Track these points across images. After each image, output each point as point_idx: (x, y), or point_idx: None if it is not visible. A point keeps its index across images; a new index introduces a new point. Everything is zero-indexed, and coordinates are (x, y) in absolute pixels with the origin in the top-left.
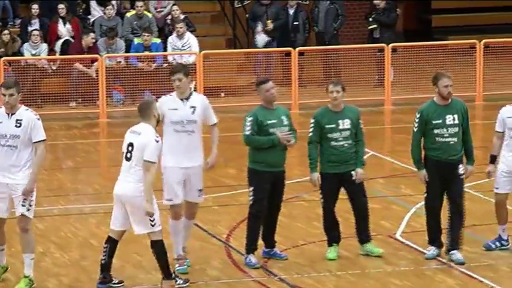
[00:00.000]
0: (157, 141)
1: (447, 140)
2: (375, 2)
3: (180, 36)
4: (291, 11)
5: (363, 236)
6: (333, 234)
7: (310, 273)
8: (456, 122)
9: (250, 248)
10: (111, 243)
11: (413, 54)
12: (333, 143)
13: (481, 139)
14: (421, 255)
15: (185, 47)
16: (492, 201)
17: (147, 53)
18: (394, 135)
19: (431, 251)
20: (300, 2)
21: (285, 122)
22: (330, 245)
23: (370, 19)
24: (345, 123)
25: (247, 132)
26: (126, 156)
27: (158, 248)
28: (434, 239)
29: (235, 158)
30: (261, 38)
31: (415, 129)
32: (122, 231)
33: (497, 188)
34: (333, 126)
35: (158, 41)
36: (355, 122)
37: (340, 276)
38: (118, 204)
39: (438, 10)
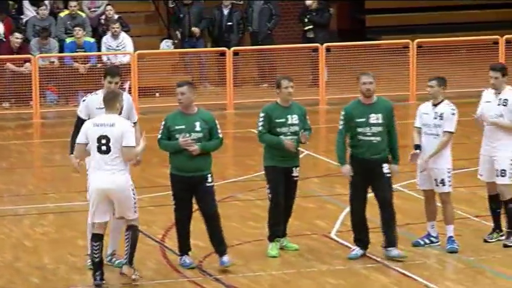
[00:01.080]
0: (133, 127)
1: (370, 138)
2: (307, 2)
3: (115, 36)
4: (226, 11)
5: (283, 232)
6: (277, 229)
7: (245, 273)
8: (380, 121)
9: (182, 249)
10: (100, 240)
11: (347, 54)
12: (282, 137)
13: None
14: None
15: (120, 47)
16: None
17: (81, 53)
18: (329, 134)
19: (355, 251)
20: (235, 2)
21: (197, 128)
22: (272, 240)
23: (306, 20)
24: (294, 119)
25: (159, 136)
26: (100, 150)
27: (135, 232)
28: (358, 239)
29: None
30: (165, 45)
31: (340, 127)
32: (106, 222)
33: (418, 185)
34: (283, 120)
35: (92, 40)
36: (302, 118)
37: (275, 276)
38: (103, 198)
39: (371, 10)
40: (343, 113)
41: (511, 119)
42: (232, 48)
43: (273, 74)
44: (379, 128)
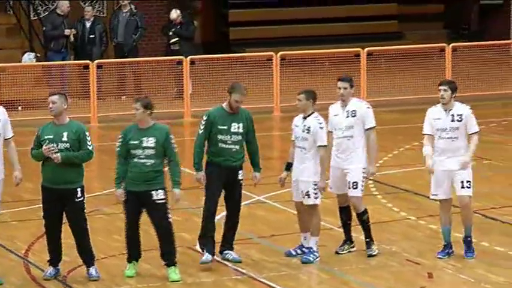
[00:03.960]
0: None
1: (230, 146)
2: (171, 16)
3: None
4: (88, 24)
5: (164, 259)
6: (132, 251)
7: (111, 287)
8: (240, 130)
9: (50, 259)
10: None
11: (211, 66)
12: (135, 160)
13: (279, 150)
14: (222, 266)
15: None
16: (291, 211)
17: None
18: None
19: (205, 256)
20: (97, 14)
21: (64, 139)
22: (129, 261)
23: (170, 33)
24: (149, 141)
25: (31, 146)
26: None
27: None
28: (203, 242)
29: (33, 172)
30: (27, 58)
31: (201, 132)
32: None
33: (293, 196)
34: (136, 143)
35: None
36: (161, 141)
37: None
38: None
39: (235, 23)
40: (205, 117)
41: (362, 129)
42: (96, 61)
43: (138, 86)
44: (239, 137)
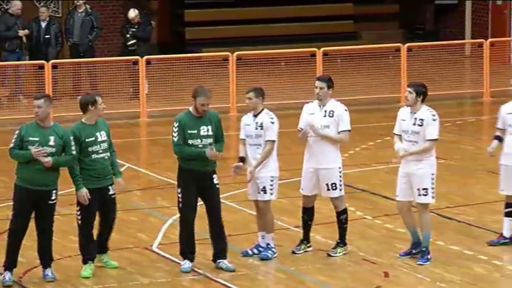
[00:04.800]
0: None
1: (203, 150)
2: (129, 16)
3: None
4: (43, 24)
5: (103, 246)
6: (89, 252)
7: None
8: (210, 133)
9: (8, 264)
10: None
11: (168, 66)
12: (95, 156)
13: (236, 150)
14: (178, 267)
15: None
16: (247, 210)
17: None
18: (150, 147)
19: (186, 264)
20: (53, 14)
21: (51, 143)
22: (85, 262)
23: (128, 35)
24: (102, 135)
25: (11, 145)
26: None
27: None
28: (185, 251)
29: None
30: None
31: (176, 139)
32: None
33: (248, 195)
34: (93, 139)
35: None
36: (108, 133)
37: None
38: None
39: (191, 23)
40: (176, 124)
41: (337, 130)
42: (51, 61)
43: (94, 86)
44: (209, 140)
